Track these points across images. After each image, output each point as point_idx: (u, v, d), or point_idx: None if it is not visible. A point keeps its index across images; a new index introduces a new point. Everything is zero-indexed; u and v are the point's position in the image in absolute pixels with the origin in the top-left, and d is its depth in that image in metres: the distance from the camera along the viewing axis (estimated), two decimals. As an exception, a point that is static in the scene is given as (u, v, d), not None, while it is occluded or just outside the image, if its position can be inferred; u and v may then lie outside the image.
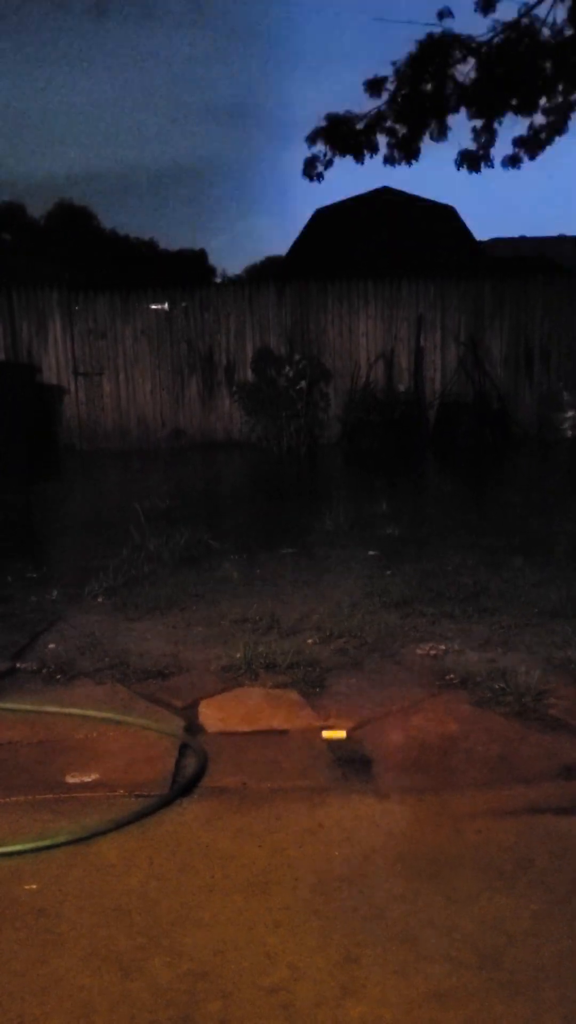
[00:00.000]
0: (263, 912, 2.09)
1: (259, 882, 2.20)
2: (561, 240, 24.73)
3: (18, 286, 12.85)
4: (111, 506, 7.89)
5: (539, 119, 12.87)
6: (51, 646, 4.02)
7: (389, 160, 13.39)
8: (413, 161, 13.40)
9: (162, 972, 1.90)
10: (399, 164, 13.32)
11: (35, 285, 12.88)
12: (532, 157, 13.23)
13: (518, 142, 13.12)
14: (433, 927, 2.02)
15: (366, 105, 12.98)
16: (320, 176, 13.61)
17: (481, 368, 12.62)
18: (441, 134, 12.94)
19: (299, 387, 11.99)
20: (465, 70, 12.44)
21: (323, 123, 13.11)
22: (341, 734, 3.00)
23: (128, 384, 12.86)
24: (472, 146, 13.25)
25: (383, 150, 13.30)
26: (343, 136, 13.06)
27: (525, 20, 12.04)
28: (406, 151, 13.25)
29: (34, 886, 2.21)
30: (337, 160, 13.26)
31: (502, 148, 13.34)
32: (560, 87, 12.50)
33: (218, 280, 34.01)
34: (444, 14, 12.11)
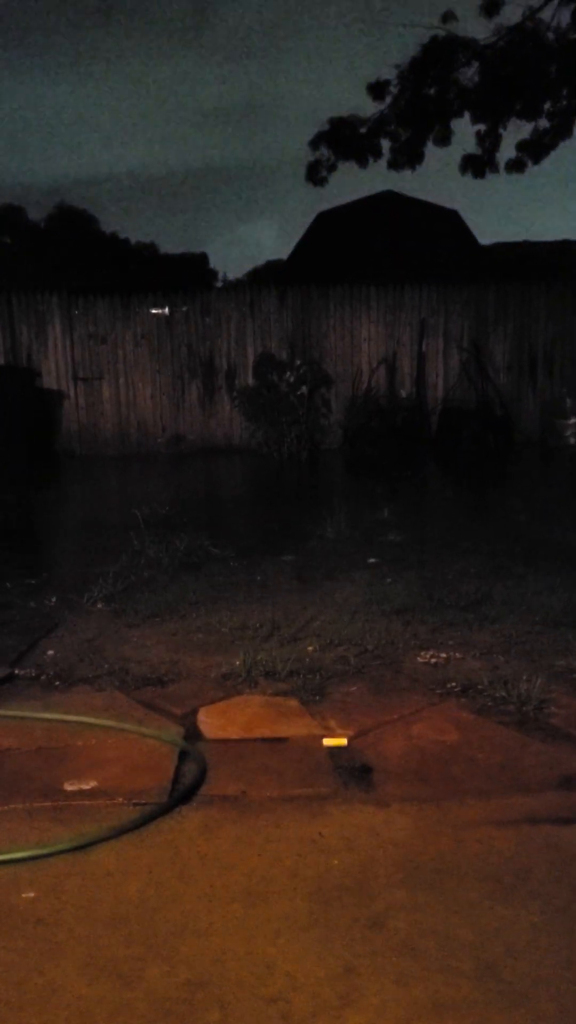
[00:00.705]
0: (262, 921, 2.09)
1: (258, 891, 2.20)
2: (565, 245, 24.78)
3: (18, 289, 12.90)
4: (110, 512, 7.91)
5: (543, 123, 12.94)
6: (50, 652, 4.03)
7: (392, 165, 13.46)
8: (417, 165, 13.48)
9: (160, 981, 1.91)
10: (403, 169, 13.40)
11: (35, 289, 12.93)
12: (536, 161, 13.30)
13: (522, 146, 13.19)
14: (433, 937, 2.03)
15: (369, 109, 13.08)
16: (324, 180, 13.68)
17: (484, 374, 12.65)
18: (444, 138, 13.01)
19: (300, 392, 12.03)
20: (469, 73, 12.52)
21: (326, 127, 13.19)
22: (342, 742, 3.01)
23: (128, 389, 12.90)
24: (476, 150, 13.33)
25: (386, 154, 13.39)
26: (346, 140, 13.13)
27: (529, 23, 12.11)
28: (409, 155, 13.32)
29: (32, 894, 2.22)
30: (341, 165, 13.35)
31: (506, 152, 13.39)
32: (564, 91, 12.55)
33: (219, 284, 34.11)
34: (448, 17, 12.17)
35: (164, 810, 2.58)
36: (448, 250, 19.49)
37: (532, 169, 13.30)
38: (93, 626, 4.41)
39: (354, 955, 1.97)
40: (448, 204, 21.76)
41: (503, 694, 3.33)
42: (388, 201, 20.55)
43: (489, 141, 13.20)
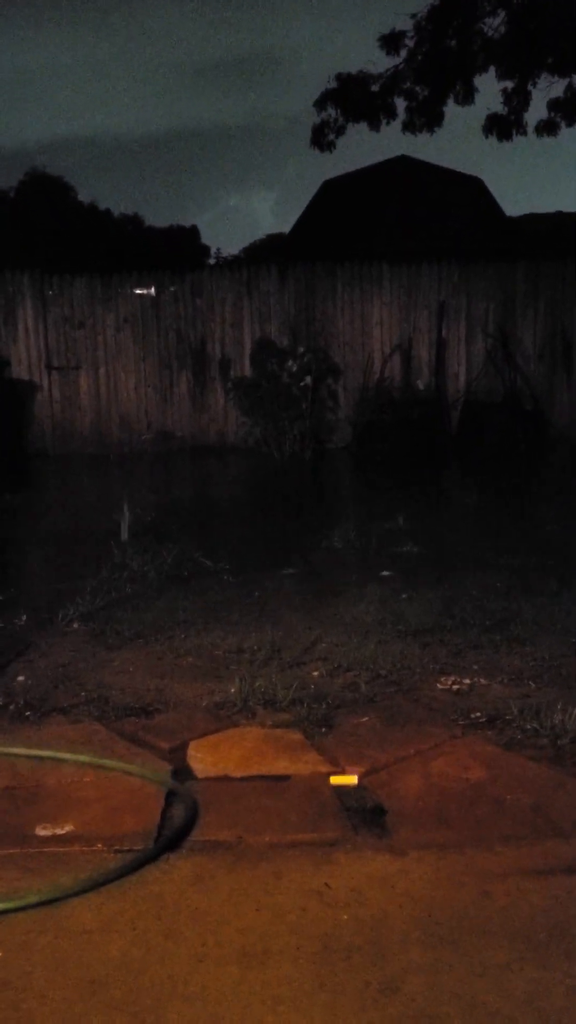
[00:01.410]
0: (261, 985, 2.09)
1: (256, 951, 2.20)
2: (604, 217, 24.84)
3: (-16, 267, 12.93)
4: (89, 519, 7.91)
5: (578, 80, 12.96)
6: (20, 678, 4.03)
7: (408, 126, 13.50)
8: (436, 127, 13.51)
9: (145, 1053, 1.90)
10: (420, 131, 13.43)
11: (3, 266, 12.95)
12: (570, 123, 13.33)
13: (554, 105, 13.22)
14: (455, 1003, 2.02)
15: (383, 63, 13.12)
16: (331, 145, 13.72)
17: (512, 362, 12.66)
18: (467, 97, 13.04)
19: (304, 384, 12.03)
20: (494, 24, 12.56)
21: (334, 85, 13.24)
22: (351, 780, 3.00)
23: (109, 380, 12.91)
24: (502, 110, 13.37)
25: (401, 115, 13.43)
26: (356, 99, 13.17)
27: (562, -33, 12.14)
28: (428, 116, 13.36)
29: (-1, 954, 2.22)
30: (350, 127, 13.39)
31: (536, 112, 13.43)
32: (602, 44, 12.57)
33: (212, 261, 34.13)
34: (471, -40, 12.22)
35: (149, 858, 2.57)
36: (471, 222, 19.54)
37: (566, 131, 13.33)
38: (69, 648, 4.41)
39: (366, 1024, 1.96)
40: (471, 171, 21.84)
41: (535, 726, 3.33)
42: (403, 167, 20.60)
43: (517, 100, 13.22)
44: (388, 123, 13.45)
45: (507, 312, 12.76)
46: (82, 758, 3.19)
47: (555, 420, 12.58)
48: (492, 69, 12.83)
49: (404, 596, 5.09)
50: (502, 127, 13.44)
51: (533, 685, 3.79)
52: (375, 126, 13.38)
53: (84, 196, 40.85)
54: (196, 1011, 2.02)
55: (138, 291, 12.84)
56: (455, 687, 3.79)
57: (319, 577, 5.59)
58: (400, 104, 13.30)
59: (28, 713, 3.63)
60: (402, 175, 20.42)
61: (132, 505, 7.33)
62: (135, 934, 2.27)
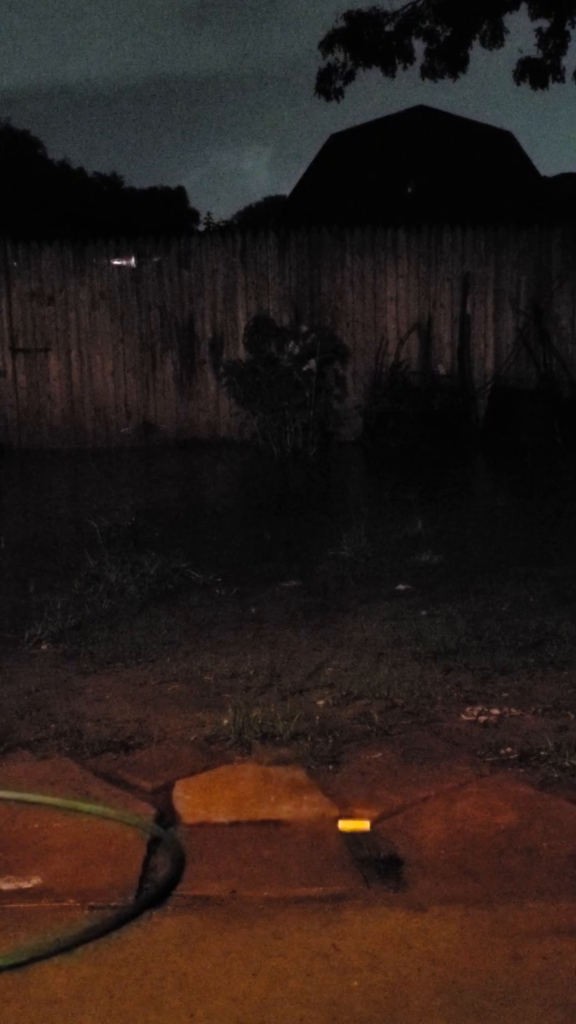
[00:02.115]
0: (258, 1063, 2.08)
1: (254, 1022, 2.19)
2: None
3: None
4: (59, 523, 7.91)
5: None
6: (-21, 708, 4.02)
7: (428, 72, 13.56)
8: (459, 73, 13.56)
9: None
10: (441, 77, 13.48)
11: (-39, 233, 12.98)
12: (614, 68, 13.37)
13: (596, 48, 13.25)
14: None
15: (398, 0, 13.16)
16: (339, 93, 13.79)
17: (547, 343, 12.67)
18: (495, 38, 13.10)
19: (307, 368, 12.05)
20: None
21: (342, 24, 13.28)
22: (363, 826, 3.00)
23: (82, 364, 12.94)
24: (536, 53, 13.41)
25: (420, 59, 13.47)
26: (368, 41, 13.21)
27: None
28: (450, 60, 13.41)
29: (-45, 1026, 2.21)
30: (361, 72, 13.43)
31: (575, 58, 13.47)
32: None
33: (202, 228, 34.25)
34: None
35: (129, 916, 2.56)
36: (500, 182, 19.59)
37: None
38: (36, 673, 4.41)
39: None
40: (500, 125, 21.89)
41: (574, 763, 3.32)
42: (422, 119, 20.67)
43: (553, 42, 13.27)
44: (405, 68, 13.51)
45: (542, 285, 12.78)
46: (51, 800, 3.18)
47: (597, 410, 12.59)
48: (524, 6, 12.87)
49: (423, 613, 5.09)
50: (536, 73, 13.49)
51: (573, 716, 3.78)
52: (390, 71, 13.43)
53: (54, 153, 41.04)
54: None
55: (116, 262, 12.86)
56: (482, 718, 3.79)
57: (325, 591, 5.59)
58: (419, 46, 13.37)
59: (-11, 748, 3.63)
60: (421, 128, 20.47)
61: (109, 508, 7.33)
62: (112, 1003, 2.27)
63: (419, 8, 13.11)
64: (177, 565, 5.85)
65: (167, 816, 3.10)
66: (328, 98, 13.72)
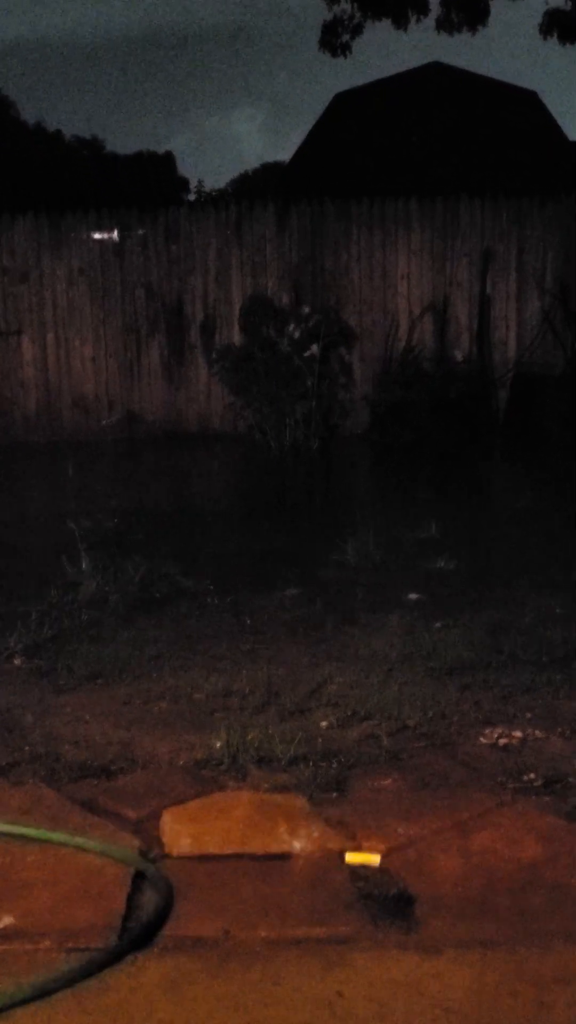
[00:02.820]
0: None
1: (248, 1077, 2.20)
2: None
3: None
4: (33, 525, 7.91)
5: None
6: (-55, 729, 4.03)
7: (444, 25, 13.55)
8: (479, 26, 13.55)
9: None
10: (459, 31, 13.47)
11: None
12: None
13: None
14: None
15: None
16: (345, 48, 13.78)
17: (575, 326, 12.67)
18: (518, -13, 13.07)
19: (309, 353, 12.04)
20: None
21: (348, -30, 13.29)
22: (372, 859, 3.00)
23: (59, 348, 12.93)
24: (564, 4, 13.40)
25: (435, 10, 13.47)
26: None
27: None
28: (468, 11, 13.40)
29: None
30: (370, 25, 13.42)
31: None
32: None
33: (192, 197, 34.26)
34: None
35: (112, 958, 2.57)
36: (524, 147, 19.58)
37: None
38: (8, 691, 4.41)
39: None
40: (524, 84, 21.90)
41: (605, 790, 3.33)
42: (437, 77, 20.67)
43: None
44: (418, 20, 13.49)
45: (569, 262, 12.77)
46: (25, 831, 3.19)
47: (631, 400, 12.59)
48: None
49: (437, 625, 5.09)
50: (564, 25, 13.47)
51: (603, 738, 3.79)
52: (402, 24, 13.41)
53: (28, 114, 40.98)
54: None
55: (97, 235, 12.85)
56: (502, 741, 3.79)
57: (329, 600, 5.59)
58: (433, -3, 13.35)
59: (-44, 773, 3.64)
60: (436, 86, 20.46)
61: (90, 507, 7.33)
62: (93, 1055, 2.27)
63: (434, -46, 13.13)
64: (165, 571, 5.85)
65: (153, 848, 3.11)
66: (334, 54, 13.71)
